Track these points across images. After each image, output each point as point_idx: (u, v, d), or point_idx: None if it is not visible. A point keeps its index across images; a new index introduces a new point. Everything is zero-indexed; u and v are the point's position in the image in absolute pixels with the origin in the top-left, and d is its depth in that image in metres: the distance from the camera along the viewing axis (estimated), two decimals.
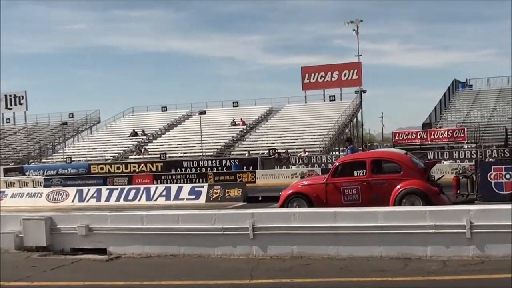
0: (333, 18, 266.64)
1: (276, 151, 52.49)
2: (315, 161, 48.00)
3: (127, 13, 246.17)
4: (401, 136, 52.83)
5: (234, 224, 13.10)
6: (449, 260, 11.21)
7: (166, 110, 76.24)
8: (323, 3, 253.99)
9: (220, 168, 49.14)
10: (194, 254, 13.20)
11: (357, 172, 17.91)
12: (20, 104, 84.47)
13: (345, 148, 27.94)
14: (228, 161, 50.85)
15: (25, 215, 15.67)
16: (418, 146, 49.98)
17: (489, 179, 18.83)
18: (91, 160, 61.07)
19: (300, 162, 48.49)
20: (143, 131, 68.55)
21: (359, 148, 22.88)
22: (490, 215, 11.45)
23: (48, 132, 78.53)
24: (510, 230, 11.10)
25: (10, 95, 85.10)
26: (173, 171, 48.45)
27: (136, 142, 66.28)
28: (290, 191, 18.90)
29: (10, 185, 45.83)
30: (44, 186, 42.06)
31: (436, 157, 44.64)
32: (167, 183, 39.34)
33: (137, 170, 51.42)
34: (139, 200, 29.42)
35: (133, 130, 69.05)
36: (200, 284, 10.58)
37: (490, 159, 39.12)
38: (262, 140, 60.14)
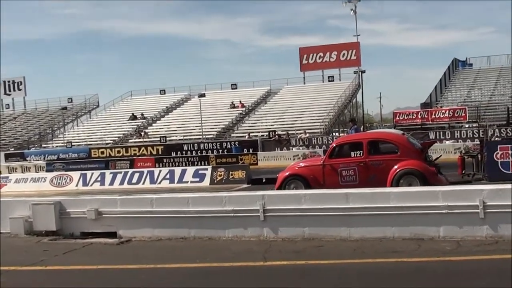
0: None
1: (276, 133, 52.42)
2: (315, 142, 47.96)
3: None
4: (401, 116, 52.69)
5: (244, 206, 13.07)
6: (462, 240, 11.18)
7: (164, 93, 76.22)
8: None
9: (220, 150, 49.08)
10: (205, 237, 13.21)
11: (354, 153, 17.92)
12: (19, 89, 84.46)
13: (348, 129, 27.92)
14: (228, 143, 50.77)
15: (34, 200, 15.67)
16: (419, 126, 49.90)
17: (495, 158, 18.75)
18: (91, 144, 61.02)
19: (301, 143, 48.45)
20: (142, 115, 68.47)
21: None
22: (503, 195, 11.37)
23: (48, 117, 78.46)
24: None
25: (9, 81, 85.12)
26: (173, 154, 48.47)
27: (135, 126, 66.24)
28: (287, 173, 18.91)
29: (12, 170, 45.82)
30: (47, 171, 42.09)
31: (437, 137, 44.61)
32: (169, 166, 39.35)
33: (137, 154, 51.46)
34: (143, 183, 29.51)
35: (132, 113, 68.99)
36: (215, 267, 10.56)
37: (497, 138, 39.00)
38: (262, 122, 60.07)
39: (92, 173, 31.99)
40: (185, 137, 58.58)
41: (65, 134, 69.22)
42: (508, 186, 11.59)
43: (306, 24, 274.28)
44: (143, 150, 52.54)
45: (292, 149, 46.86)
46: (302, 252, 11.25)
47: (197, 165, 39.04)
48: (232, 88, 72.77)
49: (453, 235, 11.41)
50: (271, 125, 57.30)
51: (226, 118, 63.06)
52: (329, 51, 69.79)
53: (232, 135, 57.67)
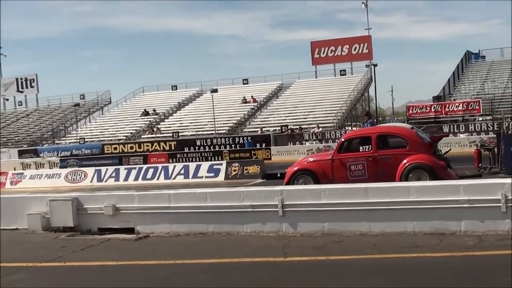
0: None
1: (289, 127, 52.30)
2: (328, 137, 47.82)
3: None
4: (414, 110, 52.49)
5: (262, 201, 13.00)
6: (484, 234, 11.08)
7: (176, 89, 76.18)
8: None
9: (233, 145, 49.02)
10: (223, 232, 13.16)
11: (363, 148, 17.87)
12: (31, 87, 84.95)
13: (364, 123, 27.84)
14: (241, 138, 50.70)
15: (51, 196, 15.66)
16: (433, 120, 49.68)
17: None
18: (104, 140, 61.08)
19: (314, 138, 48.32)
20: (154, 110, 68.50)
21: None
22: None
23: (60, 113, 78.67)
24: None
25: (21, 78, 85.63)
26: (186, 150, 48.47)
27: (148, 122, 66.30)
28: (296, 168, 18.89)
29: (26, 166, 45.90)
30: (60, 167, 42.09)
31: (451, 130, 44.43)
32: (182, 161, 39.31)
33: (150, 149, 51.47)
34: (158, 179, 29.50)
35: (144, 109, 69.03)
36: (235, 262, 10.51)
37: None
38: (274, 117, 59.95)
39: (107, 169, 32.03)
40: (197, 133, 58.55)
41: (77, 131, 69.36)
42: None
43: (315, 17, 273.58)
44: (155, 146, 52.55)
45: (305, 144, 46.73)
46: (322, 247, 11.19)
47: (210, 160, 38.98)
48: (243, 83, 72.64)
49: (474, 229, 11.31)
50: (283, 120, 57.20)
51: (238, 113, 62.99)
52: (341, 44, 69.55)
53: (245, 130, 57.59)
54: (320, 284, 8.62)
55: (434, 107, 51.47)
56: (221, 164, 29.65)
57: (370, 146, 17.67)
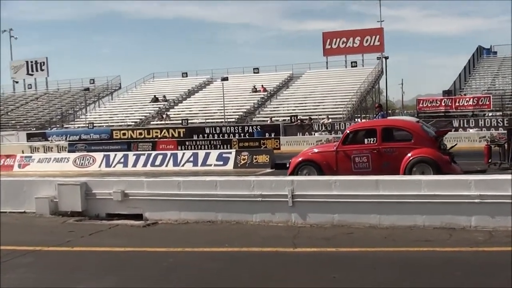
0: None
1: (298, 117, 52.21)
2: (338, 128, 47.65)
3: None
4: (425, 103, 52.36)
5: (273, 191, 12.93)
6: (495, 230, 10.98)
7: (186, 76, 76.24)
8: None
9: (242, 134, 48.99)
10: (232, 221, 13.11)
11: (368, 140, 17.82)
12: (42, 70, 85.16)
13: (375, 115, 27.73)
14: (250, 127, 50.63)
15: (60, 180, 15.66)
16: (443, 114, 49.52)
17: None
18: (113, 125, 61.12)
19: (323, 129, 48.20)
20: (164, 97, 68.45)
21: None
22: None
23: (70, 98, 78.83)
24: None
25: (32, 62, 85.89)
26: (195, 137, 48.46)
27: (157, 108, 66.31)
28: (300, 159, 18.86)
29: (35, 150, 45.98)
30: (69, 151, 42.23)
31: (461, 125, 44.29)
32: (191, 149, 39.32)
33: (159, 136, 51.47)
34: (166, 165, 29.41)
35: (154, 96, 69.03)
36: (244, 251, 10.47)
37: None
38: (284, 107, 59.88)
39: (115, 155, 31.98)
40: (206, 120, 58.52)
41: (87, 115, 69.43)
42: None
43: (327, 8, 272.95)
44: (164, 132, 52.55)
45: (314, 134, 46.64)
46: (332, 239, 11.12)
47: (219, 148, 38.94)
48: (254, 72, 72.59)
49: (485, 225, 11.21)
50: (293, 110, 57.12)
51: (248, 102, 62.94)
52: (353, 36, 69.45)
53: (254, 119, 57.53)
54: (330, 275, 8.55)
55: (444, 101, 51.32)
56: (230, 153, 29.55)
57: (375, 138, 17.61)
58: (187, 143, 43.45)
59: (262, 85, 65.67)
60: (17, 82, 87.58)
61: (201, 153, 30.12)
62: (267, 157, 28.21)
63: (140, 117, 64.55)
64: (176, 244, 11.23)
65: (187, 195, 13.67)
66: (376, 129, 17.90)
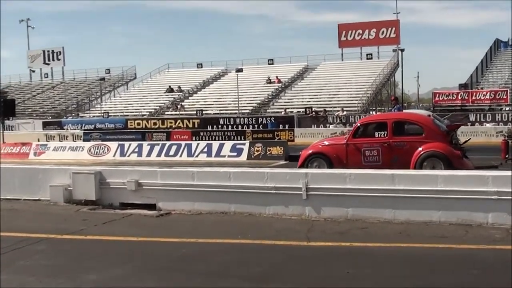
0: None
1: (313, 109, 52.03)
2: (352, 120, 47.29)
3: None
4: (441, 97, 52.06)
5: (286, 183, 12.86)
6: None
7: (201, 67, 76.25)
8: None
9: (256, 126, 48.81)
10: (245, 212, 13.07)
11: (378, 134, 17.75)
12: (58, 59, 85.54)
13: (391, 108, 27.63)
14: (264, 119, 50.49)
15: (74, 168, 15.66)
16: (459, 108, 49.20)
17: None
18: (127, 115, 61.18)
19: (338, 121, 47.98)
20: (179, 88, 68.44)
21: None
22: None
23: (85, 87, 79.06)
24: None
25: (48, 51, 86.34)
26: (209, 128, 48.41)
27: (172, 98, 66.29)
28: (310, 151, 18.81)
29: (50, 138, 46.11)
30: (84, 140, 42.30)
31: (477, 120, 43.97)
32: (205, 139, 39.27)
33: (173, 126, 51.41)
34: (181, 156, 29.37)
35: (169, 86, 69.04)
36: (257, 244, 10.41)
37: None
38: (298, 99, 59.74)
39: (130, 144, 31.96)
40: (220, 111, 58.44)
41: (102, 105, 69.51)
42: None
43: (343, 0, 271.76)
44: (179, 123, 52.52)
45: (329, 127, 46.43)
46: (346, 233, 11.04)
47: (233, 139, 38.88)
48: (268, 64, 72.43)
49: (502, 222, 11.05)
50: (308, 102, 56.95)
51: (262, 94, 62.79)
52: (368, 28, 69.05)
53: (268, 110, 57.39)
54: (344, 271, 8.47)
55: (460, 94, 50.97)
56: (244, 144, 29.46)
57: (385, 132, 17.52)
58: (201, 133, 43.43)
59: (276, 77, 65.49)
60: (33, 71, 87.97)
61: (215, 144, 30.08)
62: (281, 149, 28.12)
63: (155, 107, 64.55)
64: (189, 235, 11.18)
65: (200, 186, 13.63)
66: (387, 123, 17.80)
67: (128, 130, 50.88)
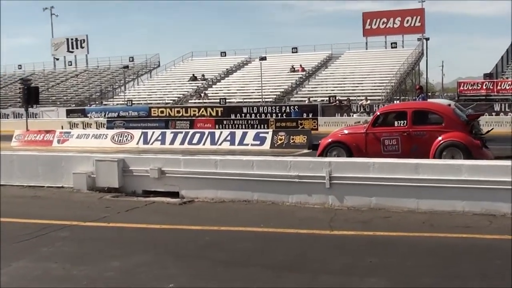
0: None
1: (337, 98, 51.83)
2: (376, 109, 47.03)
3: None
4: (465, 86, 51.61)
5: (310, 172, 12.80)
6: None
7: (225, 56, 76.02)
8: None
9: (279, 114, 48.73)
10: (268, 201, 13.03)
11: (398, 123, 17.72)
12: (82, 47, 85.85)
13: (416, 97, 27.46)
14: (288, 107, 50.38)
15: (98, 156, 15.71)
16: (484, 97, 48.77)
17: None
18: (151, 103, 61.33)
19: (362, 110, 47.75)
20: (202, 76, 68.45)
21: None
22: None
23: (109, 75, 79.34)
24: None
25: (72, 39, 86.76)
26: (232, 116, 48.39)
27: (195, 87, 66.32)
28: (329, 140, 18.86)
29: (74, 126, 46.39)
30: (107, 128, 42.47)
31: (502, 110, 43.55)
32: (228, 128, 39.27)
33: (197, 114, 51.48)
34: (204, 144, 29.47)
35: (193, 74, 69.07)
36: (280, 232, 10.38)
37: None
38: (322, 87, 59.47)
39: (153, 132, 32.07)
40: (244, 100, 58.40)
41: (125, 93, 69.80)
42: None
43: None
44: (202, 111, 52.55)
45: (352, 116, 46.19)
46: (369, 222, 10.99)
47: (256, 128, 38.82)
48: (292, 52, 72.08)
49: None
50: (332, 90, 56.67)
51: (285, 82, 62.62)
52: (393, 17, 68.58)
53: (292, 99, 57.25)
54: (366, 260, 8.43)
55: (485, 84, 50.50)
56: (267, 133, 29.45)
57: (405, 121, 17.48)
58: (224, 122, 43.40)
59: (300, 65, 65.27)
60: (57, 59, 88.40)
61: (238, 133, 30.12)
62: (304, 137, 28.09)
63: (178, 96, 64.64)
64: (212, 223, 11.20)
65: (223, 174, 13.61)
66: (406, 112, 17.76)
67: (152, 118, 51.07)
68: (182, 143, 30.05)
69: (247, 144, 28.50)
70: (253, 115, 49.51)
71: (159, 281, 7.69)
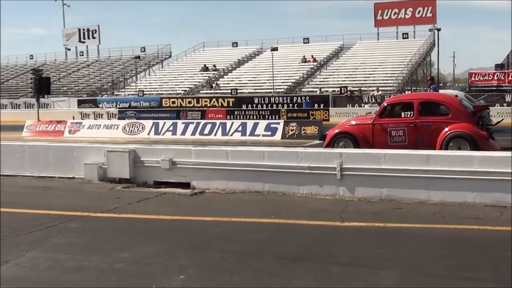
0: None
1: (348, 89, 51.71)
2: None
3: None
4: (477, 77, 51.44)
5: (321, 163, 12.81)
6: None
7: (236, 46, 76.01)
8: None
9: (291, 105, 48.65)
10: (279, 192, 13.05)
11: (405, 114, 17.75)
12: (93, 38, 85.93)
13: (427, 88, 27.37)
14: (299, 98, 50.29)
15: (109, 147, 15.73)
16: (495, 88, 48.57)
17: None
18: (162, 94, 61.33)
19: (373, 101, 47.61)
20: (214, 66, 68.42)
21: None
22: None
23: (120, 65, 79.37)
24: None
25: (84, 29, 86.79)
26: (244, 107, 48.38)
27: (207, 77, 66.28)
28: (336, 131, 18.89)
29: (85, 116, 46.51)
30: (118, 118, 42.62)
31: None
32: (240, 118, 39.30)
33: (208, 105, 51.50)
34: (215, 134, 29.49)
35: (204, 65, 69.00)
36: (291, 224, 10.38)
37: None
38: (333, 78, 59.32)
39: (164, 123, 32.09)
40: (255, 90, 58.33)
41: (137, 83, 69.83)
42: None
43: None
44: (214, 102, 52.58)
45: (364, 106, 46.12)
46: (380, 213, 10.97)
47: (268, 118, 38.87)
48: (304, 43, 72.01)
49: None
50: (343, 81, 56.52)
51: (297, 73, 62.52)
52: (405, 7, 68.23)
53: (303, 89, 57.13)
54: (377, 251, 8.41)
55: (497, 75, 50.30)
56: (278, 123, 29.47)
57: (412, 112, 17.53)
58: (236, 112, 43.47)
59: (312, 56, 65.14)
60: (69, 49, 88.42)
61: (250, 123, 30.12)
62: (315, 128, 28.06)
63: (190, 86, 64.64)
64: (223, 214, 11.21)
65: (234, 165, 13.61)
66: (413, 103, 17.81)
67: (163, 109, 51.10)
68: (193, 133, 30.09)
69: (258, 135, 28.51)
70: (264, 105, 49.45)
71: (169, 272, 7.69)
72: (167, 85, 66.95)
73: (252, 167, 13.40)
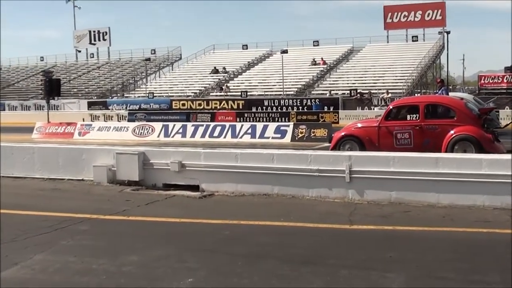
0: None
1: (358, 91, 51.67)
2: None
3: None
4: (486, 80, 51.43)
5: (330, 166, 12.79)
6: None
7: (246, 49, 76.05)
8: None
9: (300, 107, 48.63)
10: (288, 195, 13.04)
11: (410, 116, 17.94)
12: (104, 40, 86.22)
13: (437, 90, 27.32)
14: (309, 100, 50.26)
15: (118, 149, 15.76)
16: (504, 90, 48.46)
17: None
18: (172, 96, 61.40)
19: (383, 103, 47.45)
20: (224, 69, 68.48)
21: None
22: None
23: (131, 67, 79.52)
24: None
25: (94, 31, 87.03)
26: (254, 109, 48.37)
27: (217, 80, 66.35)
28: (342, 133, 18.94)
29: (95, 118, 46.61)
30: (128, 121, 42.65)
31: None
32: (249, 121, 39.28)
33: (218, 107, 51.49)
34: (225, 137, 29.54)
35: (214, 67, 69.07)
36: (300, 227, 10.37)
37: None
38: (343, 80, 59.28)
39: (174, 125, 32.18)
40: (265, 93, 58.34)
41: (147, 85, 69.89)
42: None
43: None
44: (223, 104, 52.59)
45: (373, 109, 45.99)
46: (389, 216, 10.95)
47: (277, 121, 38.85)
48: (314, 45, 71.97)
49: None
50: (353, 84, 56.46)
51: (307, 75, 62.49)
52: (414, 10, 68.20)
53: (313, 92, 57.09)
54: (386, 254, 8.40)
55: (506, 77, 50.27)
56: (288, 126, 29.50)
57: (417, 115, 17.62)
58: (245, 115, 43.43)
59: (321, 58, 65.08)
60: (79, 51, 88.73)
61: (259, 126, 30.17)
62: (325, 131, 28.07)
63: (200, 88, 64.67)
64: (232, 217, 11.21)
65: (244, 168, 13.62)
66: (419, 106, 17.84)
67: (173, 111, 51.11)
68: (203, 136, 30.15)
69: (268, 137, 28.54)
70: (274, 108, 49.47)
71: (178, 275, 7.71)
72: (177, 87, 67.04)
73: (261, 169, 13.42)
